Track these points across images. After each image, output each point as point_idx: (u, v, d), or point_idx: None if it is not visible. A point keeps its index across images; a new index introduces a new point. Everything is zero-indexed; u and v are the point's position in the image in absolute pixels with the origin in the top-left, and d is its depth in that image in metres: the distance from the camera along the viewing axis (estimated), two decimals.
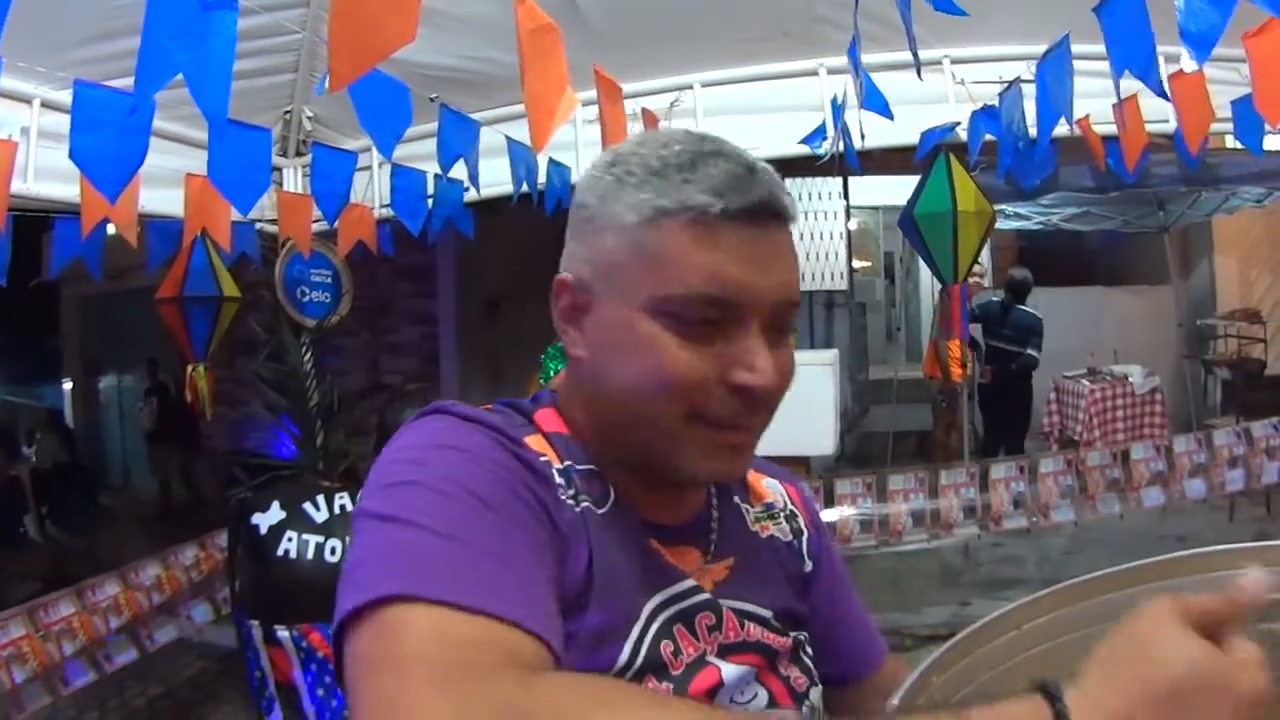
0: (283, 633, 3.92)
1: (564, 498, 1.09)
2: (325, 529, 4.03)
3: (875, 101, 3.89)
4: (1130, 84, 3.05)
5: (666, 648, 1.08)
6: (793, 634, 1.24)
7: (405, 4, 1.95)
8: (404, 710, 0.76)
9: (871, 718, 0.79)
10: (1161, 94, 3.01)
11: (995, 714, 0.74)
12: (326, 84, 2.04)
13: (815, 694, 1.24)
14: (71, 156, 2.63)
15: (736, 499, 1.34)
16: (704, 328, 1.06)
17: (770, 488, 1.42)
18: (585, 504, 1.11)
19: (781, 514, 1.39)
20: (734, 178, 1.07)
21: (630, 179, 1.10)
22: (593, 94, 3.54)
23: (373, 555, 0.92)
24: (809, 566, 1.37)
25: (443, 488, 0.96)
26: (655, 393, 1.08)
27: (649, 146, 1.13)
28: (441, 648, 0.82)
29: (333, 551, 3.99)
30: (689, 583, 1.15)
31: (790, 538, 1.37)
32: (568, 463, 1.14)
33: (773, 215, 1.08)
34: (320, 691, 3.92)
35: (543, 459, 1.11)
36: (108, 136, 2.57)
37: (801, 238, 11.50)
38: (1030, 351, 9.20)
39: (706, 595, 1.16)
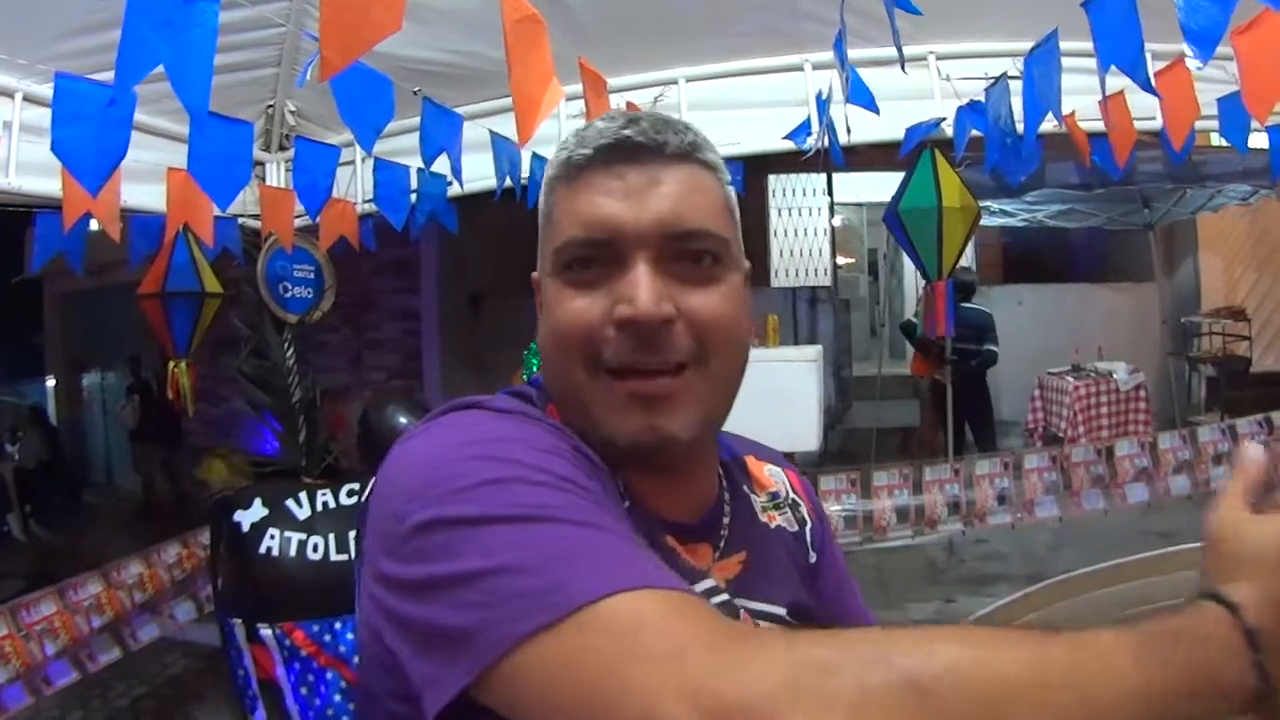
0: (265, 631, 3.91)
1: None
2: (308, 526, 4.02)
3: (861, 96, 3.88)
4: (1117, 80, 3.06)
5: None
6: (807, 627, 1.20)
7: None
8: (713, 682, 0.72)
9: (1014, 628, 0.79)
10: (1149, 90, 3.00)
11: (1178, 622, 0.80)
12: (308, 76, 2.02)
13: None
14: (53, 149, 2.61)
15: (745, 488, 1.31)
16: (592, 273, 1.08)
17: (773, 475, 1.39)
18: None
19: (786, 503, 1.36)
20: (606, 128, 1.10)
21: (547, 169, 1.16)
22: (577, 88, 3.52)
23: (531, 558, 0.84)
24: (814, 557, 1.35)
25: (543, 479, 0.92)
26: (557, 347, 1.09)
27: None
28: (699, 625, 0.78)
29: (315, 549, 3.98)
30: (707, 583, 1.13)
31: (796, 528, 1.34)
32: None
33: (639, 148, 1.09)
34: (303, 690, 3.90)
35: None
36: (89, 129, 2.55)
37: (785, 234, 11.50)
38: (990, 347, 9.23)
39: (724, 597, 1.13)
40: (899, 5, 2.67)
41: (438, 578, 0.86)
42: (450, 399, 1.11)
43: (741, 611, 1.13)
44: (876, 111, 3.95)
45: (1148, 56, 2.91)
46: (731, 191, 1.18)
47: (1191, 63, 2.64)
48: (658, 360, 1.06)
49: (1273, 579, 0.82)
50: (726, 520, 1.23)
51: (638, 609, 0.79)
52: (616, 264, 1.07)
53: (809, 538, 1.35)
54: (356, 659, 3.88)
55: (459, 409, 1.07)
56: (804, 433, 4.96)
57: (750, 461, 1.37)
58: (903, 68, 3.41)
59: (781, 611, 1.19)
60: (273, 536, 3.95)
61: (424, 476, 0.94)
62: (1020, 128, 3.96)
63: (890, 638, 0.75)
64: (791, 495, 1.38)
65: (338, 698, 3.88)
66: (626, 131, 1.09)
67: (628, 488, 1.11)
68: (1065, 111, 3.78)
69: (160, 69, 2.01)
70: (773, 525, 1.31)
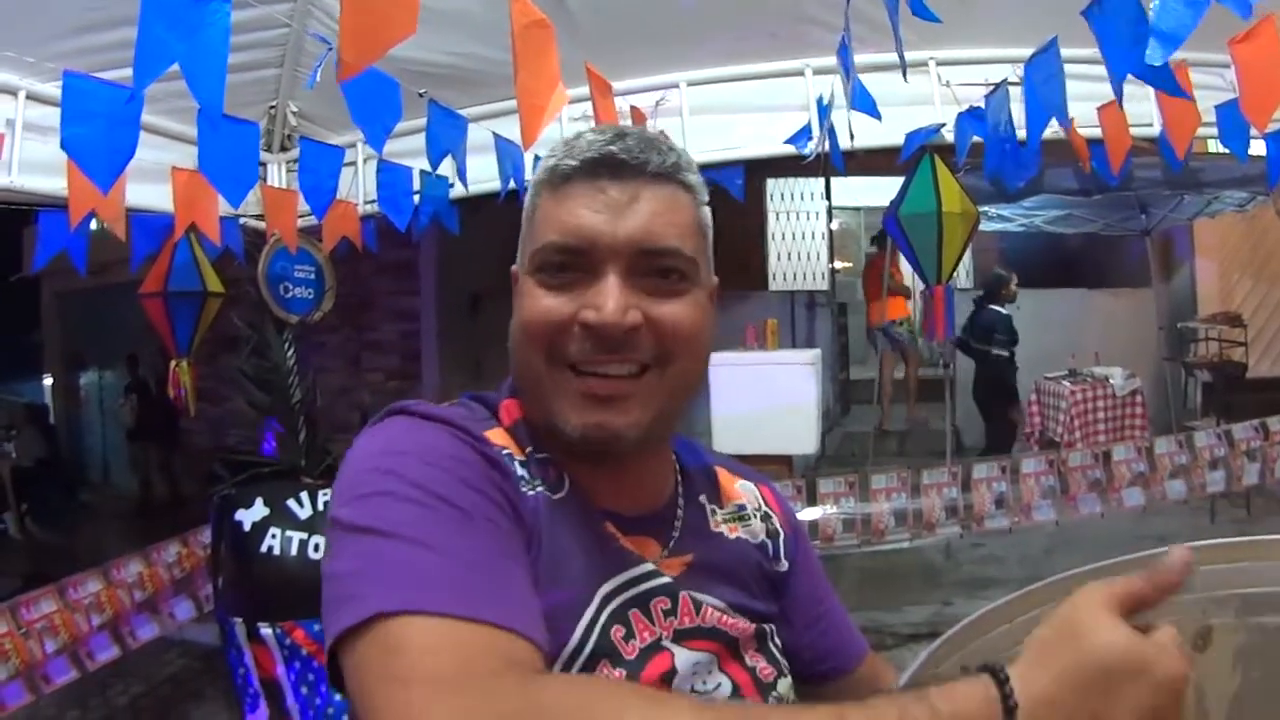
0: (266, 630, 3.92)
1: (524, 488, 1.14)
2: (309, 525, 4.03)
3: (864, 102, 3.90)
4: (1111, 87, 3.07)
5: (618, 632, 1.11)
6: (756, 623, 1.27)
7: None
8: (421, 716, 0.80)
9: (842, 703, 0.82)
10: (1178, 91, 3.01)
11: (949, 691, 0.80)
12: (319, 76, 2.04)
13: (784, 685, 1.26)
14: (63, 147, 2.62)
15: (703, 498, 1.37)
16: (566, 276, 1.15)
17: (743, 490, 1.45)
18: (540, 490, 1.16)
19: (755, 515, 1.41)
20: (594, 141, 1.17)
21: (537, 171, 1.23)
22: (580, 91, 3.54)
23: (363, 567, 0.95)
24: (784, 566, 1.40)
25: (415, 496, 1.00)
26: (523, 339, 1.17)
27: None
28: (443, 659, 0.86)
29: (316, 548, 3.99)
30: (646, 567, 1.18)
31: (763, 538, 1.39)
32: (529, 450, 1.20)
33: (619, 166, 1.16)
34: (304, 689, 3.91)
35: (505, 452, 1.17)
36: (99, 128, 2.57)
37: (783, 237, 11.51)
38: (996, 351, 9.31)
39: (664, 580, 1.19)
40: (917, 14, 2.68)
41: (325, 573, 1.00)
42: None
43: (682, 595, 1.19)
44: (879, 117, 3.97)
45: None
46: (707, 212, 1.26)
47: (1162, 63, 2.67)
48: (616, 362, 1.15)
49: (1070, 691, 0.80)
50: (679, 523, 1.29)
51: (408, 633, 0.88)
52: (589, 272, 1.14)
53: (781, 548, 1.41)
54: None
55: (392, 414, 1.15)
56: (802, 435, 4.99)
57: (721, 474, 1.44)
58: (905, 76, 3.43)
59: (722, 605, 1.24)
60: (274, 536, 3.97)
61: (340, 479, 1.07)
62: (1021, 134, 3.98)
63: (614, 704, 0.83)
64: (763, 508, 1.44)
65: (338, 697, 3.89)
66: (612, 147, 1.16)
67: (573, 478, 1.20)
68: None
69: (175, 67, 2.03)
70: (732, 536, 1.36)
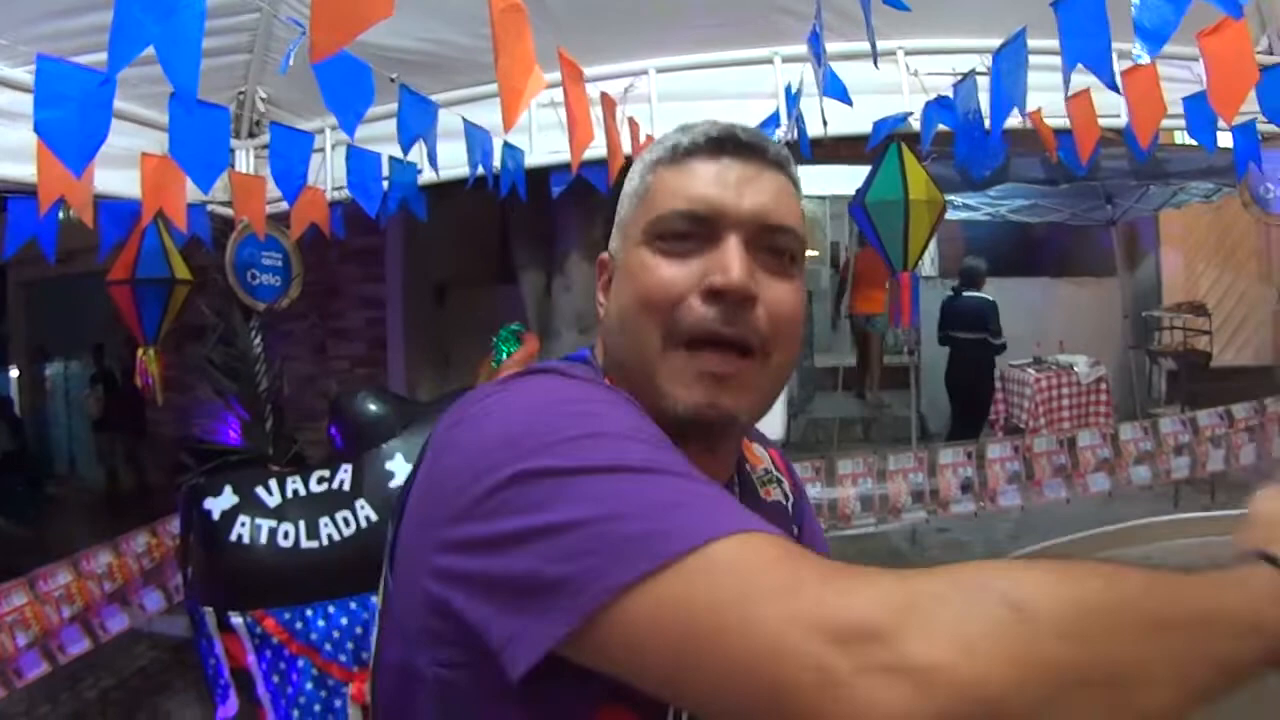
0: (236, 619, 3.90)
1: None
2: (278, 513, 4.02)
3: (836, 89, 3.91)
4: (1083, 78, 3.10)
5: None
6: None
7: None
8: (833, 610, 0.75)
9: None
10: (1114, 88, 3.06)
11: (1234, 574, 0.84)
12: (291, 61, 2.04)
13: None
14: (36, 130, 2.60)
15: (746, 466, 1.40)
16: (686, 246, 1.16)
17: (760, 454, 1.48)
18: None
19: (774, 479, 1.44)
20: (714, 125, 1.21)
21: (645, 155, 1.26)
22: (549, 77, 3.54)
23: (636, 508, 0.86)
24: (795, 530, 1.43)
25: (635, 435, 0.98)
26: (639, 312, 1.16)
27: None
28: (795, 560, 0.82)
29: (285, 536, 3.97)
30: None
31: (785, 501, 1.44)
32: None
33: (741, 146, 1.19)
34: (275, 678, 3.90)
35: None
36: (71, 112, 2.55)
37: None
38: (995, 340, 9.40)
39: None
40: (888, 2, 2.71)
41: (531, 529, 0.88)
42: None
43: None
44: (850, 104, 3.99)
45: (1113, 55, 2.96)
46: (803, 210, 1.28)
47: (1142, 59, 2.72)
48: (735, 333, 1.13)
49: None
50: (736, 494, 1.31)
51: (747, 550, 0.82)
52: (710, 240, 1.15)
53: (791, 510, 1.44)
54: (328, 645, 3.86)
55: (534, 373, 1.13)
56: (769, 422, 4.97)
57: (743, 441, 1.42)
58: (875, 63, 3.45)
59: None
60: (243, 524, 3.95)
61: (510, 434, 0.96)
62: (988, 124, 4.01)
63: (984, 568, 0.79)
64: (776, 472, 1.47)
65: (309, 685, 3.88)
66: (733, 129, 1.20)
67: None
68: (1032, 108, 3.83)
69: (150, 51, 2.02)
70: (769, 500, 1.40)
